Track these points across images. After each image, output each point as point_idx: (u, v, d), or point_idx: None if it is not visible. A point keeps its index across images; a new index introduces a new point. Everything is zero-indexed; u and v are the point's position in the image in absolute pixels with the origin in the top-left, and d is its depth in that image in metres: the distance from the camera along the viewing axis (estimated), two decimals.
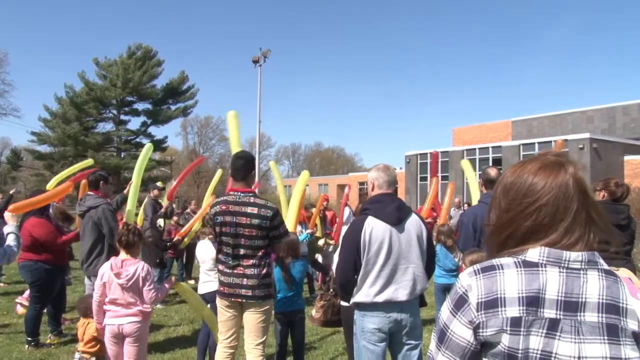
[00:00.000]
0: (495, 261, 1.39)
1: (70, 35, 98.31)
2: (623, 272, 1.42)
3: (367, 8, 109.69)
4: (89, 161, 10.76)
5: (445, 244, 6.89)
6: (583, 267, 1.33)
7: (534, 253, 1.36)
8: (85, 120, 45.40)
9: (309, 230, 9.43)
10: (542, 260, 1.34)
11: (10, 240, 4.60)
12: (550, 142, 32.38)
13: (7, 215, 4.88)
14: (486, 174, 4.98)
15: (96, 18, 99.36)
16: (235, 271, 4.23)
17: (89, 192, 6.17)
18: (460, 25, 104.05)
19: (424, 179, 39.56)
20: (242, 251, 4.22)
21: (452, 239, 6.81)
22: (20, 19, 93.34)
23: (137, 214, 9.32)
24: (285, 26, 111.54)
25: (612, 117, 38.10)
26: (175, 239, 9.84)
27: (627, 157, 31.34)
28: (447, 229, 7.08)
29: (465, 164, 8.34)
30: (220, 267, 4.35)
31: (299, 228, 9.36)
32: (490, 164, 35.10)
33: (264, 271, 4.25)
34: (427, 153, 39.33)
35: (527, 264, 1.35)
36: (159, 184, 11.23)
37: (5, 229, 4.74)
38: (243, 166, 4.39)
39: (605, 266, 1.36)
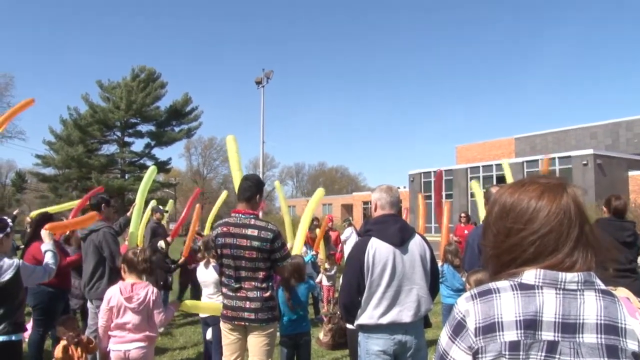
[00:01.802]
0: (492, 285, 1.37)
1: (74, 58, 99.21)
2: (621, 292, 1.40)
3: (368, 28, 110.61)
4: (74, 203, 10.87)
5: (453, 263, 6.85)
6: (579, 288, 1.32)
7: (530, 275, 1.34)
8: (89, 143, 45.62)
9: (313, 252, 9.39)
10: (538, 282, 1.33)
11: (49, 258, 4.63)
12: (554, 158, 32.36)
13: (43, 233, 4.96)
14: (489, 193, 4.97)
15: (100, 41, 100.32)
16: (238, 294, 4.20)
17: (90, 212, 6.18)
18: (461, 43, 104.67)
19: (428, 197, 39.38)
20: (243, 273, 4.19)
21: (459, 258, 6.77)
22: (25, 42, 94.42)
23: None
24: (288, 46, 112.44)
25: (616, 133, 38.06)
26: (180, 260, 9.82)
27: (631, 173, 31.25)
28: (454, 248, 7.04)
29: (475, 185, 8.29)
30: (224, 289, 4.33)
31: (303, 249, 9.35)
32: (494, 181, 35.04)
33: (267, 294, 4.22)
34: (430, 172, 39.32)
35: (523, 287, 1.34)
36: (165, 207, 11.23)
37: (43, 247, 4.81)
38: (249, 188, 4.38)
39: (602, 286, 1.34)
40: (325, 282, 10.13)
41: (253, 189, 4.39)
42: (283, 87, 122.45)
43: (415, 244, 3.60)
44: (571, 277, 1.31)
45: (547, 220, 1.35)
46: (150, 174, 7.66)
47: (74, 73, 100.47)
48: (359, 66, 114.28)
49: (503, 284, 1.36)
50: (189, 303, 5.12)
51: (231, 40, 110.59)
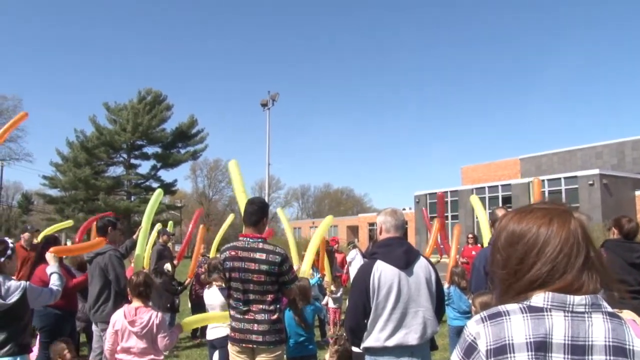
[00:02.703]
0: (502, 308, 1.40)
1: (81, 80, 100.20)
2: (627, 314, 1.43)
3: (373, 49, 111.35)
4: (69, 222, 11.00)
5: (460, 285, 6.83)
6: (587, 310, 1.35)
7: (539, 298, 1.37)
8: (95, 164, 45.91)
9: (320, 275, 9.38)
10: (547, 305, 1.35)
11: (54, 280, 4.63)
12: (560, 178, 32.31)
13: (48, 256, 4.99)
14: (495, 215, 4.97)
15: (107, 63, 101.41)
16: (246, 316, 4.21)
17: (96, 238, 6.20)
18: (466, 63, 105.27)
19: (434, 219, 39.31)
20: (252, 296, 4.21)
21: (465, 280, 6.75)
22: (33, 64, 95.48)
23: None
24: (294, 68, 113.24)
25: (621, 152, 38.00)
26: (186, 282, 9.82)
27: (638, 193, 31.18)
28: (460, 271, 7.04)
29: (474, 200, 8.31)
30: (232, 312, 4.34)
31: (310, 271, 9.34)
32: (500, 202, 34.99)
33: (275, 316, 4.23)
34: (436, 193, 39.25)
35: (532, 309, 1.36)
36: (168, 228, 11.24)
37: (48, 270, 4.82)
38: (255, 212, 4.41)
39: (609, 309, 1.37)
40: (331, 305, 10.10)
41: (259, 213, 4.43)
42: (289, 108, 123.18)
43: (421, 266, 3.62)
44: (579, 300, 1.34)
45: (559, 246, 1.38)
46: (156, 197, 7.71)
47: (81, 95, 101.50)
48: (365, 87, 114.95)
49: (512, 306, 1.39)
50: (187, 321, 5.12)
51: (237, 62, 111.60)
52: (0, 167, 47.79)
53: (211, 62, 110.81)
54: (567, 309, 1.34)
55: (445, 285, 7.42)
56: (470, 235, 13.17)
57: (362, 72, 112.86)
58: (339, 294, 10.16)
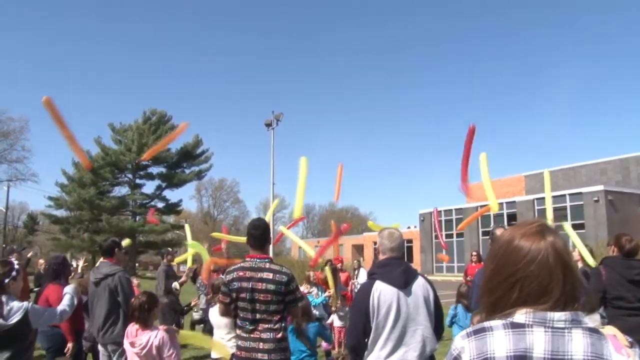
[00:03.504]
0: (486, 324, 1.48)
1: (86, 101, 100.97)
2: (608, 330, 1.51)
3: (377, 67, 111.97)
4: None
5: (465, 304, 6.93)
6: (567, 326, 1.42)
7: (521, 315, 1.45)
8: (101, 185, 46.12)
9: (326, 294, 9.40)
10: (529, 321, 1.43)
11: (66, 301, 4.67)
12: (565, 195, 32.29)
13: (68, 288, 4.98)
14: (494, 235, 5.03)
15: (112, 84, 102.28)
16: (252, 335, 4.27)
17: (103, 260, 6.23)
18: (470, 80, 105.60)
19: (435, 237, 39.37)
20: (258, 316, 4.27)
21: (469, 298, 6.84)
22: (39, 85, 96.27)
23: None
24: (298, 86, 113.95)
25: (626, 169, 37.99)
26: (192, 303, 9.86)
27: None
28: (465, 290, 7.12)
29: (482, 159, 7.96)
30: (238, 331, 4.40)
31: (314, 290, 9.37)
32: (505, 219, 34.95)
33: (280, 335, 4.29)
34: (441, 211, 39.30)
35: (514, 326, 1.44)
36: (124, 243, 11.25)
37: (66, 289, 4.86)
38: (261, 235, 4.51)
39: (589, 325, 1.45)
40: (337, 323, 10.09)
41: (264, 236, 4.53)
42: (293, 127, 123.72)
43: (419, 286, 3.69)
44: (559, 316, 1.42)
45: (538, 263, 1.46)
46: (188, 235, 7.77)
47: (87, 116, 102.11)
48: (369, 105, 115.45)
49: (496, 323, 1.47)
50: (184, 334, 5.16)
51: (241, 82, 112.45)
52: (7, 188, 48.14)
53: (216, 82, 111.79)
54: (547, 325, 1.41)
55: (453, 305, 7.50)
56: (474, 253, 13.20)
57: (366, 90, 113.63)
58: (344, 312, 10.15)
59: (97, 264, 6.31)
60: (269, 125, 34.56)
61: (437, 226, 27.65)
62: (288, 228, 11.00)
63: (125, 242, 7.20)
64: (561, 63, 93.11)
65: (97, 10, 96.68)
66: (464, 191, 7.74)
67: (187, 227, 10.25)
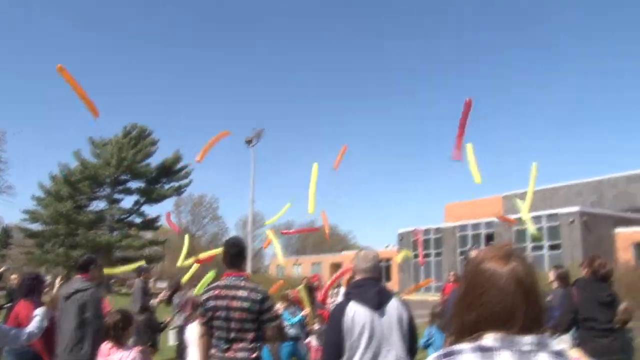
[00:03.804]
0: (456, 347, 1.52)
1: (66, 114, 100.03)
2: (574, 353, 1.56)
3: (356, 88, 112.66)
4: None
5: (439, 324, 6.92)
6: (533, 349, 1.46)
7: (489, 339, 1.48)
8: (78, 199, 45.56)
9: (303, 313, 9.36)
10: (496, 345, 1.47)
11: (34, 323, 4.54)
12: (541, 216, 32.63)
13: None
14: (468, 258, 5.10)
15: (93, 97, 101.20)
16: (226, 355, 4.25)
17: (77, 275, 6.14)
18: (449, 101, 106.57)
19: (417, 256, 39.46)
20: (233, 335, 4.27)
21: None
22: (16, 97, 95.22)
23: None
24: (279, 104, 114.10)
25: (600, 190, 38.66)
26: (167, 320, 9.74)
27: (617, 230, 31.52)
28: (439, 310, 7.13)
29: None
30: (213, 350, 4.38)
31: (291, 309, 9.33)
32: (483, 239, 35.21)
33: (255, 355, 4.28)
34: (415, 230, 39.50)
35: (482, 349, 1.48)
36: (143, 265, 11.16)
37: (36, 311, 4.74)
38: (237, 254, 4.54)
39: (555, 348, 1.48)
40: (314, 343, 10.03)
41: (240, 255, 4.55)
42: (273, 144, 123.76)
43: (393, 307, 3.72)
44: (526, 340, 1.46)
45: (499, 288, 1.51)
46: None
47: (67, 130, 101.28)
48: (349, 124, 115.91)
49: (465, 346, 1.50)
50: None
51: (223, 98, 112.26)
52: None
53: (197, 97, 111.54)
54: (514, 348, 1.45)
55: (427, 326, 7.50)
56: (452, 273, 13.26)
57: (346, 108, 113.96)
58: (321, 331, 10.09)
59: (71, 279, 6.22)
60: (249, 142, 34.53)
61: (419, 246, 27.81)
62: (285, 233, 11.65)
63: (132, 266, 7.06)
64: (538, 86, 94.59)
65: (77, 22, 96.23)
66: (457, 157, 8.75)
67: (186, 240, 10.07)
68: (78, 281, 6.00)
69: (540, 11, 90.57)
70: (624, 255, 29.18)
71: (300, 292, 9.70)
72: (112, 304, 8.87)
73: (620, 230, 31.38)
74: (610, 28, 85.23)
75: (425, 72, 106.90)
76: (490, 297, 1.50)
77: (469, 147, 9.05)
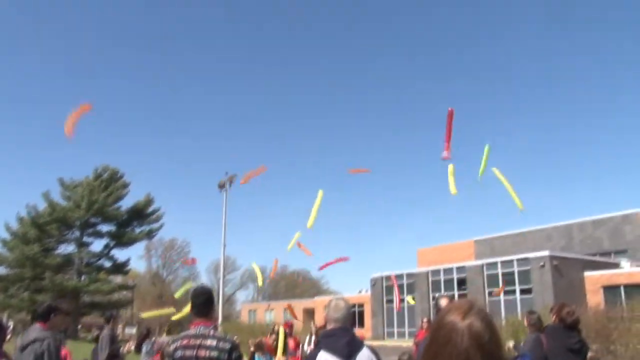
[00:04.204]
0: None
1: (36, 155, 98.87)
2: None
3: (329, 132, 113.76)
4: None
5: None
6: None
7: None
8: (46, 242, 44.54)
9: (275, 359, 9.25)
10: None
11: None
12: (513, 260, 32.98)
13: None
14: (438, 305, 5.16)
15: (63, 139, 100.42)
16: None
17: (35, 324, 5.92)
18: (418, 147, 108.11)
19: (390, 301, 39.37)
20: None
21: None
22: None
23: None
24: (251, 149, 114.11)
25: (569, 235, 39.38)
26: None
27: (587, 274, 31.95)
28: (407, 357, 7.10)
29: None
30: None
31: (263, 359, 9.21)
32: (455, 284, 35.36)
33: None
34: (391, 275, 39.57)
35: None
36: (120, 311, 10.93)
37: None
38: (205, 303, 4.49)
39: None
40: None
41: (208, 304, 4.51)
42: (246, 188, 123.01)
43: (364, 356, 3.72)
44: None
45: (453, 343, 1.56)
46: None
47: (35, 171, 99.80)
48: (320, 168, 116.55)
49: None
50: None
51: (196, 141, 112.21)
52: None
53: (169, 140, 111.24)
54: None
55: None
56: (425, 320, 13.23)
57: (318, 153, 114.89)
58: None
59: (27, 329, 5.99)
60: (222, 186, 34.49)
61: (396, 290, 27.81)
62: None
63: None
64: (505, 133, 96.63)
65: (51, 64, 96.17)
66: (446, 157, 10.12)
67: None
68: (35, 330, 5.76)
69: (501, 66, 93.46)
70: (594, 298, 29.52)
71: (280, 335, 9.65)
72: (72, 354, 8.63)
73: (589, 274, 31.83)
74: (569, 77, 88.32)
75: (393, 120, 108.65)
76: (450, 349, 1.54)
77: (496, 171, 10.68)
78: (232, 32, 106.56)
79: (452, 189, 10.78)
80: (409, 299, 25.29)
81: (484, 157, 11.01)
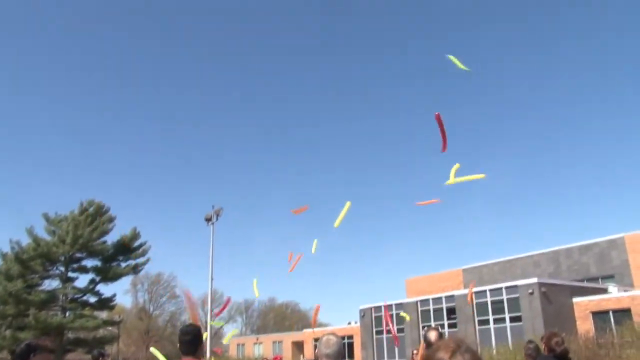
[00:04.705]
0: None
1: (21, 191, 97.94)
2: None
3: (312, 166, 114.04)
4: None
5: None
6: None
7: None
8: (29, 277, 43.80)
9: None
10: None
11: None
12: (501, 288, 32.97)
13: None
14: (427, 338, 5.18)
15: (49, 172, 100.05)
16: None
17: None
18: (405, 173, 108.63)
19: (379, 332, 39.07)
20: None
21: None
22: None
23: None
24: (238, 182, 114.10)
25: (557, 261, 39.56)
26: None
27: (575, 300, 32.00)
28: None
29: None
30: None
31: None
32: (444, 313, 35.20)
33: None
34: (381, 306, 39.35)
35: None
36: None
37: None
38: (191, 341, 4.46)
39: None
40: None
41: (196, 341, 4.49)
42: (233, 222, 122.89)
43: None
44: None
45: None
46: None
47: (21, 205, 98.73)
48: (306, 200, 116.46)
49: None
50: None
51: (182, 175, 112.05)
52: None
53: (155, 175, 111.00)
54: None
55: None
56: (415, 352, 13.11)
57: (306, 185, 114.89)
58: None
59: None
60: (208, 219, 34.40)
61: (389, 320, 27.64)
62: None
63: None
64: (492, 159, 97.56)
65: (33, 96, 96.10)
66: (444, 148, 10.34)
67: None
68: None
69: (487, 90, 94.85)
70: (584, 324, 29.53)
71: None
72: None
73: (578, 300, 31.88)
74: (554, 103, 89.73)
75: (377, 153, 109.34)
76: None
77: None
78: (212, 66, 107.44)
79: (452, 179, 11.02)
80: (403, 314, 25.20)
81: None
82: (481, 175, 11.23)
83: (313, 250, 13.17)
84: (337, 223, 12.21)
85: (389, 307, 38.40)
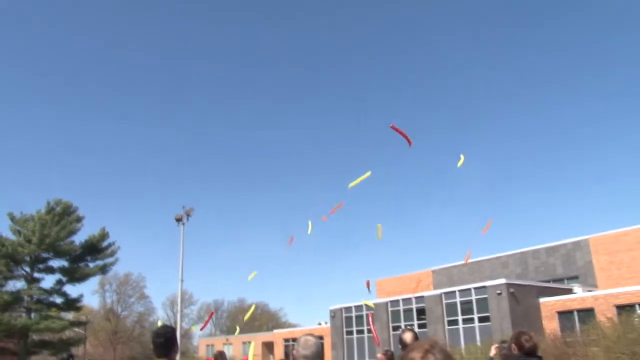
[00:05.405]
0: None
1: None
2: None
3: (285, 171, 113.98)
4: None
5: None
6: None
7: None
8: None
9: None
10: None
11: None
12: (470, 289, 33.36)
13: None
14: (402, 340, 5.20)
15: (14, 172, 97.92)
16: None
17: None
18: (378, 177, 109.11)
19: (349, 332, 39.20)
20: None
21: None
22: None
23: None
24: (208, 183, 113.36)
25: (525, 262, 40.22)
26: None
27: (542, 300, 32.55)
28: None
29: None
30: None
31: None
32: (414, 314, 35.48)
33: None
34: (351, 306, 39.44)
35: None
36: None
37: None
38: (164, 344, 4.42)
39: None
40: None
41: (169, 344, 4.44)
42: (203, 222, 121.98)
43: None
44: None
45: None
46: None
47: None
48: (277, 201, 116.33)
49: None
50: None
51: (151, 175, 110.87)
52: None
53: (125, 174, 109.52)
54: None
55: None
56: (382, 353, 13.14)
57: (275, 186, 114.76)
58: None
59: None
60: (179, 220, 34.10)
61: (371, 321, 27.62)
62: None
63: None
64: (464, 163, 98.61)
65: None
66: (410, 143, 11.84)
67: None
68: None
69: (461, 102, 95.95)
70: (550, 324, 30.07)
71: None
72: None
73: (544, 300, 32.44)
74: (522, 107, 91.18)
75: (362, 157, 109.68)
76: None
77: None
78: (187, 71, 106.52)
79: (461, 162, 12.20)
80: (365, 302, 25.45)
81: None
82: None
83: (309, 231, 13.95)
84: (352, 184, 12.76)
85: (358, 308, 38.63)
